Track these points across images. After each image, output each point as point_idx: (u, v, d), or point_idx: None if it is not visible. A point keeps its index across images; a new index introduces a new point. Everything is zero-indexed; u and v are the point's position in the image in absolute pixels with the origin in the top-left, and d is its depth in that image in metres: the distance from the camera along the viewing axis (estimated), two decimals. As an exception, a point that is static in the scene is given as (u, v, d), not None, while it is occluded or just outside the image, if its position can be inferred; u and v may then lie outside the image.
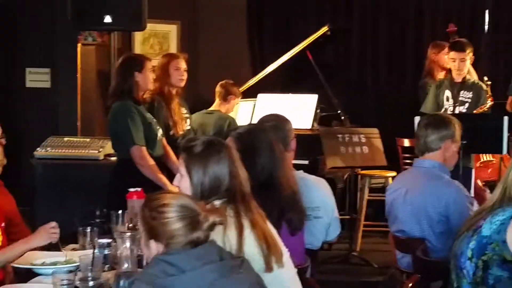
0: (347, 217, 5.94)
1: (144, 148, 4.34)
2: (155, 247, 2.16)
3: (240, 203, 2.47)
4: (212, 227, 2.17)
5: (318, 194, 3.43)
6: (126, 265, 2.43)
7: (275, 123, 3.42)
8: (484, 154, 6.22)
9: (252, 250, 2.38)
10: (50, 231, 3.03)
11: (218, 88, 6.06)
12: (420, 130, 3.62)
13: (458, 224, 3.17)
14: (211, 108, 6.03)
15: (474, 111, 5.64)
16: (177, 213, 2.13)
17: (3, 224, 3.25)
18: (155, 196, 2.21)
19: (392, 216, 3.69)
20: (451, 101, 5.79)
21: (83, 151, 5.05)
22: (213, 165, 2.47)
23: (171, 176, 4.50)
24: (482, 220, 2.48)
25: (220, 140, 2.64)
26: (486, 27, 7.26)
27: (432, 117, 3.77)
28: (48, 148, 4.87)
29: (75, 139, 5.33)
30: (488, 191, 5.87)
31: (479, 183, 5.93)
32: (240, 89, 6.35)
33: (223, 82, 6.09)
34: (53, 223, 3.06)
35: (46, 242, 3.04)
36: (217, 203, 2.46)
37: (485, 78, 5.80)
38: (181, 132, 4.89)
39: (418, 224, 3.53)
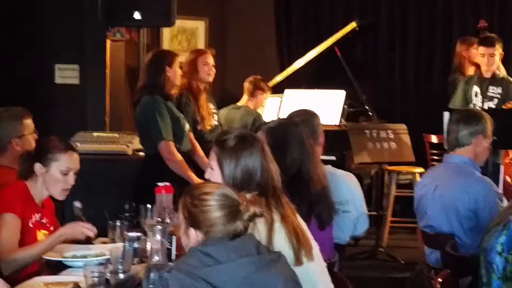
0: (374, 213, 5.91)
1: (172, 143, 4.36)
2: (194, 235, 2.19)
3: (271, 197, 2.48)
4: (252, 218, 2.19)
5: (347, 188, 3.44)
6: (156, 258, 2.44)
7: (305, 118, 3.44)
8: (512, 151, 6.16)
9: (282, 243, 2.40)
10: (82, 227, 3.06)
11: (246, 84, 6.08)
12: (451, 125, 3.60)
13: (488, 220, 3.16)
14: (238, 104, 6.05)
15: (503, 106, 5.60)
16: (218, 201, 2.16)
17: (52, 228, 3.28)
18: (197, 184, 2.24)
19: (421, 211, 3.67)
20: (479, 96, 5.75)
21: (112, 146, 5.08)
22: (245, 158, 2.49)
23: (197, 171, 4.56)
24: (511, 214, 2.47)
25: (253, 134, 2.66)
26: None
27: (463, 112, 3.75)
28: (77, 143, 4.91)
29: (104, 134, 5.37)
30: (517, 187, 5.81)
31: (508, 179, 5.87)
32: (268, 82, 6.35)
33: (251, 77, 6.11)
34: (89, 225, 3.08)
35: (77, 235, 3.06)
36: (248, 196, 2.47)
37: (514, 73, 5.75)
38: (208, 128, 4.91)
39: (447, 220, 3.51)
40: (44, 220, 3.25)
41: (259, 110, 6.05)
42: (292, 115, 3.57)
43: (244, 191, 2.47)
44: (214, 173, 2.53)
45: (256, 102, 6.02)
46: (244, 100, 6.05)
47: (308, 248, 2.47)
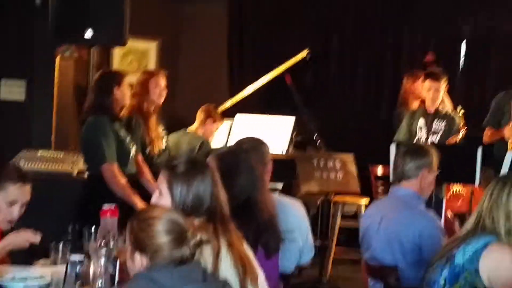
0: (320, 243, 5.93)
1: (115, 166, 4.31)
2: (139, 260, 2.16)
3: (219, 223, 2.47)
4: (199, 244, 2.17)
5: (294, 216, 3.44)
6: (100, 282, 2.39)
7: (254, 145, 3.44)
8: (454, 186, 6.27)
9: (228, 270, 2.38)
10: (26, 234, 2.98)
11: (198, 112, 6.05)
12: (398, 157, 3.65)
13: (431, 254, 3.20)
14: (188, 129, 6.02)
15: (447, 141, 5.71)
16: (165, 226, 2.13)
17: None
18: (145, 208, 2.21)
19: (366, 243, 3.70)
20: (424, 130, 5.85)
21: (56, 166, 5.00)
22: (197, 184, 2.48)
23: (143, 194, 4.51)
24: (455, 248, 2.50)
25: (203, 159, 2.65)
26: (462, 57, 7.36)
27: (410, 146, 3.82)
28: (22, 162, 4.81)
29: (48, 153, 5.26)
30: (457, 222, 5.91)
31: (449, 214, 5.98)
32: (219, 109, 6.35)
33: (205, 106, 6.08)
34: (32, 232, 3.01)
35: (21, 243, 2.99)
36: (196, 222, 2.45)
37: (459, 108, 5.87)
38: (157, 151, 4.87)
39: (391, 252, 3.53)
40: None
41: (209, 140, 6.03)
42: (241, 142, 3.56)
43: (193, 216, 2.45)
44: (163, 198, 2.51)
45: (206, 130, 5.99)
46: (194, 127, 6.03)
47: (254, 276, 2.46)
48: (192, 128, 6.02)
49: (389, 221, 3.57)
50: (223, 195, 2.55)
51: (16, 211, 3.14)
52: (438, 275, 2.73)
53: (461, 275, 2.63)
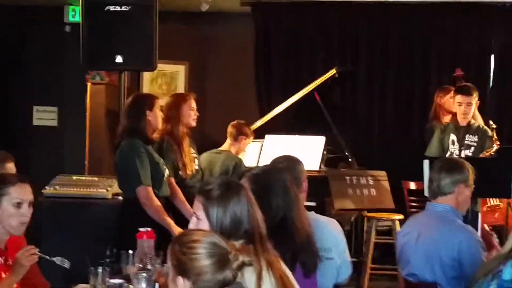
0: (354, 259, 5.89)
1: (150, 189, 4.33)
2: (182, 284, 2.16)
3: (258, 244, 2.46)
4: (241, 267, 2.17)
5: (330, 235, 3.42)
6: (141, 306, 2.41)
7: (288, 164, 3.43)
8: (491, 198, 6.21)
9: (269, 291, 2.37)
10: (26, 254, 3.00)
11: (229, 128, 6.06)
12: (433, 173, 3.62)
13: (471, 269, 3.17)
14: (221, 148, 6.03)
15: (480, 155, 5.66)
16: (207, 249, 2.13)
17: None
18: (185, 232, 2.22)
19: (404, 259, 3.67)
20: (456, 144, 5.81)
21: (91, 190, 5.06)
22: (233, 206, 2.48)
23: (177, 216, 4.53)
24: (501, 264, 2.47)
25: (236, 181, 2.65)
26: (492, 71, 7.30)
27: (445, 161, 3.78)
28: (57, 187, 4.88)
29: (83, 177, 5.33)
30: (495, 235, 5.83)
31: (486, 227, 5.91)
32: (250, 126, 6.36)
33: (234, 122, 6.09)
34: (29, 247, 3.04)
35: (28, 265, 3.01)
36: (236, 244, 2.45)
37: (491, 122, 5.82)
38: (190, 173, 4.89)
39: (430, 268, 3.50)
40: (10, 262, 3.15)
41: (240, 155, 6.04)
42: (276, 162, 3.56)
43: (232, 239, 2.45)
44: (200, 223, 2.51)
45: (239, 147, 6.01)
46: (226, 145, 6.04)
47: (294, 296, 2.45)
48: (225, 146, 6.04)
49: (427, 237, 3.54)
50: (259, 216, 2.55)
51: (26, 211, 3.15)
52: (485, 291, 2.69)
53: (509, 291, 2.59)
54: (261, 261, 2.42)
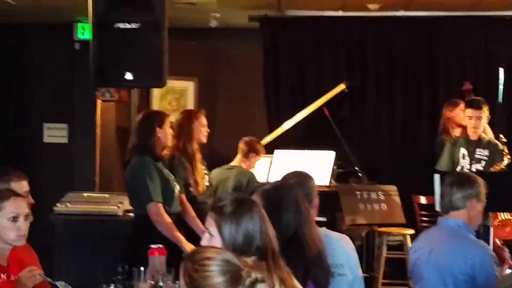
0: (366, 275, 5.87)
1: (161, 205, 4.34)
2: None
3: (270, 260, 2.46)
4: (254, 284, 2.16)
5: (342, 251, 3.41)
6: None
7: (299, 180, 3.42)
8: (502, 213, 6.18)
9: (282, 308, 2.36)
10: (29, 275, 3.00)
11: (241, 144, 6.05)
12: (445, 188, 3.60)
13: (485, 284, 3.15)
14: (231, 164, 6.04)
15: (491, 169, 5.64)
16: (220, 267, 2.13)
17: None
18: (198, 249, 2.22)
19: (416, 275, 3.65)
20: (467, 158, 5.80)
21: (102, 206, 5.06)
22: (246, 223, 2.47)
23: (188, 232, 4.53)
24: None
25: (248, 197, 2.65)
26: (501, 85, 7.29)
27: (457, 175, 3.76)
28: (68, 204, 4.89)
29: (94, 194, 5.35)
30: (506, 250, 5.81)
31: (498, 241, 5.88)
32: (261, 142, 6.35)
33: (247, 138, 6.06)
34: (32, 267, 3.04)
35: (30, 286, 3.01)
36: (248, 261, 2.44)
37: (501, 136, 5.81)
38: (201, 190, 4.89)
39: (443, 284, 3.48)
40: (12, 278, 3.14)
41: (251, 171, 6.04)
42: (287, 177, 3.55)
43: (244, 256, 2.44)
44: (213, 240, 2.50)
45: (250, 163, 6.01)
46: (237, 160, 6.04)
47: (307, 313, 2.45)
48: (236, 162, 6.04)
49: (440, 252, 3.52)
50: (271, 232, 2.54)
51: (22, 225, 3.16)
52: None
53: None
54: (274, 278, 2.41)
